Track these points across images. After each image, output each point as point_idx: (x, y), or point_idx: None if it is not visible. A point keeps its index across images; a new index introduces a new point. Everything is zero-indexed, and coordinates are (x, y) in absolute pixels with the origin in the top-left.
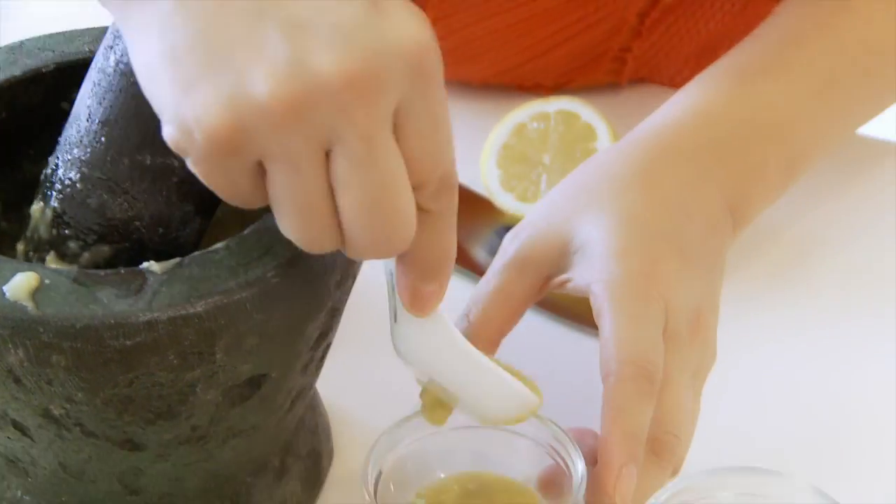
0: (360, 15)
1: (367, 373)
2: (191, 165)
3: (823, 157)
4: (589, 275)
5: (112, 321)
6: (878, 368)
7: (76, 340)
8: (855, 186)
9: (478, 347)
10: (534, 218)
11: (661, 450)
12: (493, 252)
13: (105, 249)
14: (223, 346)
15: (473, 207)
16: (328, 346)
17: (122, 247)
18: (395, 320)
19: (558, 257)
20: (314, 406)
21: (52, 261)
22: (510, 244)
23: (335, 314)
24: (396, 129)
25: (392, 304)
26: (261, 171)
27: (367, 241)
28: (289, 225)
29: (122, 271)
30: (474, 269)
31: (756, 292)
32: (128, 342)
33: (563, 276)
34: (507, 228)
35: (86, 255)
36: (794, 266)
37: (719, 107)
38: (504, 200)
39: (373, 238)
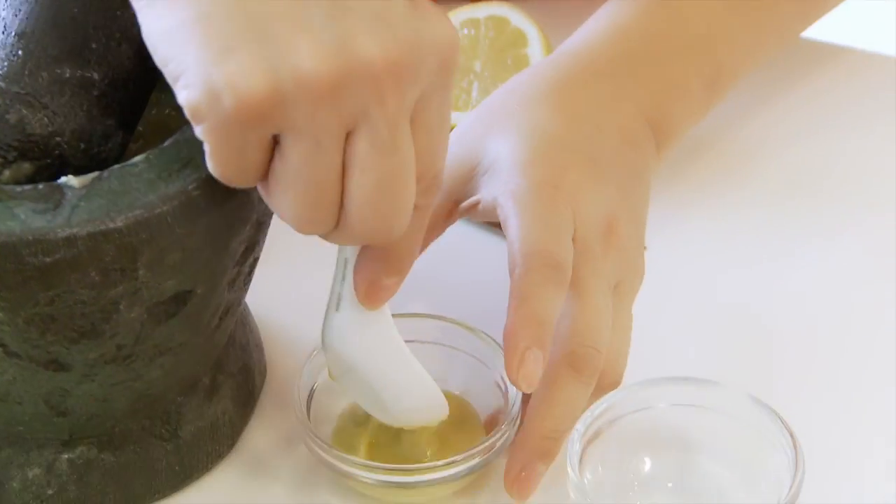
0: (400, 7)
1: (299, 287)
2: (203, 133)
3: (752, 69)
4: (495, 189)
5: (30, 237)
6: (816, 276)
7: None
8: (795, 90)
9: None
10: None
11: (580, 363)
12: None
13: (26, 166)
14: (145, 262)
15: None
16: (255, 261)
17: (43, 163)
18: (338, 309)
19: (466, 180)
20: (244, 322)
21: None
22: None
23: (261, 227)
24: (411, 121)
25: (337, 290)
26: (271, 148)
27: (369, 225)
28: (292, 203)
29: (40, 186)
30: None
31: (694, 199)
32: (47, 259)
33: (472, 199)
34: None
35: (6, 172)
36: (733, 172)
37: (635, 24)
38: None
39: (375, 223)
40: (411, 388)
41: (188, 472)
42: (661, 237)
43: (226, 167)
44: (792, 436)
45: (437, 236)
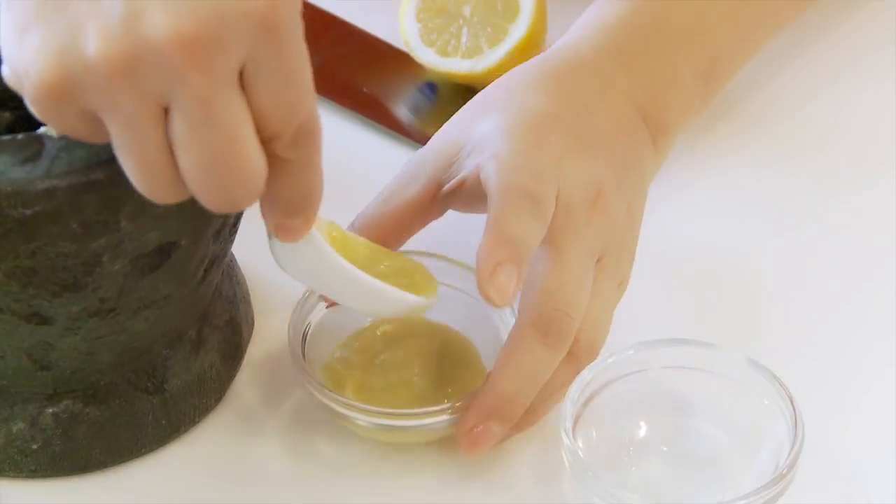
0: None
1: None
2: (27, 104)
3: (751, 57)
4: (478, 159)
5: (9, 189)
6: (818, 238)
7: None
8: (810, 41)
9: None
10: (433, 137)
11: (547, 325)
12: (415, 109)
13: (6, 115)
14: (128, 214)
15: (393, 63)
16: (241, 211)
17: (22, 112)
18: (269, 237)
19: (450, 163)
20: (231, 274)
21: None
22: (406, 161)
23: None
24: (245, 85)
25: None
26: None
27: (211, 197)
28: (131, 176)
29: (19, 137)
30: (396, 128)
31: (692, 156)
32: (27, 211)
33: (456, 179)
34: (430, 84)
35: None
36: (739, 129)
37: (625, 19)
38: (425, 55)
39: (215, 195)
40: (365, 298)
41: (175, 425)
42: (657, 196)
43: (65, 133)
44: (791, 399)
45: (422, 226)
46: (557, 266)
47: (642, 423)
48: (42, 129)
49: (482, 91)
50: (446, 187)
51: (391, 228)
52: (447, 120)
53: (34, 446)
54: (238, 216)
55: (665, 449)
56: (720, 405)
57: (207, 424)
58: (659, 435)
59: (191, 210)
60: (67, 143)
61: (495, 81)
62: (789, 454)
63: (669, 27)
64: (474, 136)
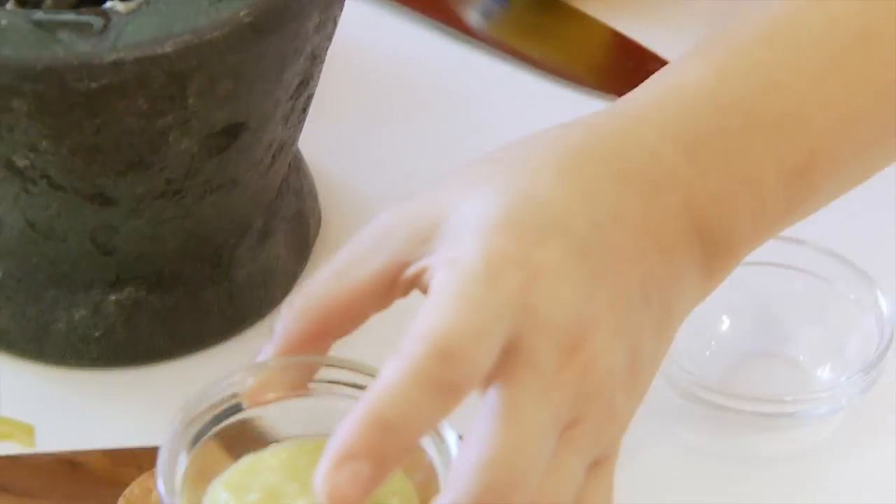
0: None
1: (354, 136)
2: None
3: (859, 156)
4: (441, 256)
5: (75, 62)
6: None
7: (37, 82)
8: None
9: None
10: (412, 200)
11: None
12: (486, 14)
13: None
14: (195, 90)
15: None
16: (310, 97)
17: None
18: None
19: (421, 241)
20: (298, 168)
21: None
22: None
23: (315, 61)
24: None
25: None
26: None
27: None
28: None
29: (85, 11)
30: (465, 30)
31: None
32: (93, 84)
33: (418, 265)
34: None
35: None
36: None
37: (706, 87)
38: None
39: None
40: None
41: (241, 316)
42: None
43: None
44: (879, 292)
45: (378, 310)
46: (504, 430)
47: (725, 318)
48: (108, 4)
49: (492, 150)
50: (408, 272)
51: (341, 313)
52: (520, 27)
53: (96, 334)
54: (307, 101)
55: (748, 344)
56: (806, 301)
57: (274, 318)
58: (742, 330)
59: (260, 90)
60: (134, 18)
61: (523, 138)
62: (877, 347)
63: (757, 106)
64: (458, 213)
